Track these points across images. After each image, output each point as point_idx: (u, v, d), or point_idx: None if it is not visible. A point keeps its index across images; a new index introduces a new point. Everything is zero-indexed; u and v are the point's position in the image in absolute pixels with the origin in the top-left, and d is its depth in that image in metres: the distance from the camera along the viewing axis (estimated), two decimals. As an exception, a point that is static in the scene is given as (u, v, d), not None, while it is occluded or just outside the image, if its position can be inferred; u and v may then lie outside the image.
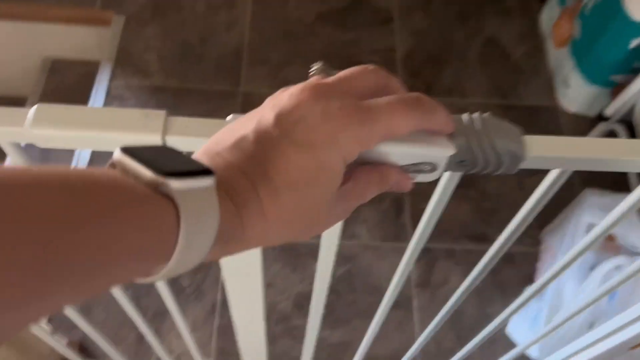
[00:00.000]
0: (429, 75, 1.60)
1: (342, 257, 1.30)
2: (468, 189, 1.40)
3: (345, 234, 1.34)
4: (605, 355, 0.88)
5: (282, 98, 0.28)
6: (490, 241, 1.55)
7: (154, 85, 1.53)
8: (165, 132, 0.33)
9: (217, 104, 1.51)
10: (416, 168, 0.35)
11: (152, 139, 0.33)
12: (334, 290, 1.26)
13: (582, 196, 1.16)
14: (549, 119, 1.54)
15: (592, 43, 1.39)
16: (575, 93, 1.49)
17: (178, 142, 0.33)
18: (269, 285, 1.25)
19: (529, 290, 0.64)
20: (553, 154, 0.40)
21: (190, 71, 1.56)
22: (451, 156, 0.34)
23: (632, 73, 1.36)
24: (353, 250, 1.32)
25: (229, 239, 0.26)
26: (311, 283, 1.30)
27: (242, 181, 0.26)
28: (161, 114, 0.33)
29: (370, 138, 0.27)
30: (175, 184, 0.22)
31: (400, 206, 1.39)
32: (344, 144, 0.27)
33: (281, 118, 0.27)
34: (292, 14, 1.69)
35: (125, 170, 0.23)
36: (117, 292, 0.60)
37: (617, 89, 1.41)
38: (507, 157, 0.35)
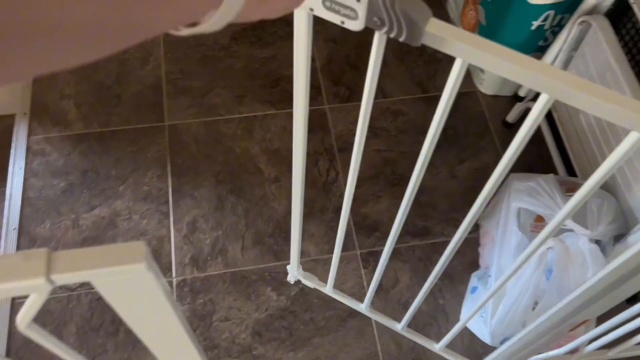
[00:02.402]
0: (350, 80, 1.62)
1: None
2: (404, 186, 1.43)
3: (293, 253, 1.35)
4: (550, 338, 0.93)
5: None
6: (433, 234, 1.59)
7: (76, 134, 1.49)
8: (49, 271, 0.33)
9: (144, 142, 1.49)
10: (343, 11, 0.45)
11: (35, 282, 0.33)
12: (291, 312, 1.27)
13: (508, 181, 1.21)
14: (470, 104, 1.60)
15: (497, 27, 1.44)
16: (490, 77, 1.54)
17: (65, 278, 0.33)
18: (225, 319, 1.25)
19: (483, 297, 0.67)
20: (449, 38, 0.47)
21: (110, 113, 1.53)
22: (368, 6, 0.43)
23: (539, 51, 1.41)
24: (304, 267, 1.33)
25: None
26: (267, 309, 1.31)
27: None
28: (42, 252, 0.33)
29: None
30: None
31: (342, 215, 1.41)
32: None
33: None
34: (207, 38, 1.67)
35: None
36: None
37: (527, 68, 1.47)
38: (406, 22, 0.44)
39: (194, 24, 0.30)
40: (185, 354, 0.53)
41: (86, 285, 1.27)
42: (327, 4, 0.46)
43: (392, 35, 0.46)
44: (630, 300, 1.00)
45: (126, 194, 1.40)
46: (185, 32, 0.30)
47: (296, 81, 0.68)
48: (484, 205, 0.79)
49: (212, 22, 0.29)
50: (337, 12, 0.46)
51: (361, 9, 0.44)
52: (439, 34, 0.47)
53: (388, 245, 0.94)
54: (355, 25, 0.46)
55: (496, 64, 0.49)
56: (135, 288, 0.37)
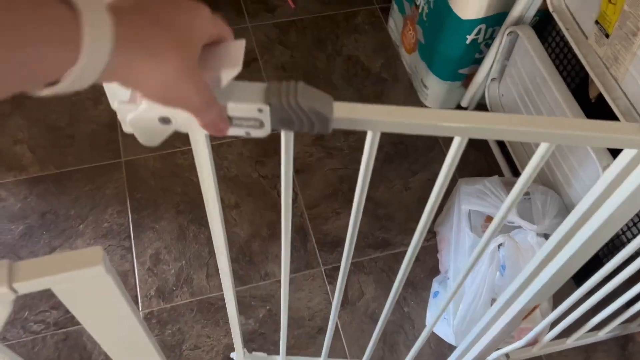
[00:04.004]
0: (301, 104, 1.67)
1: (261, 299, 1.33)
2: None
3: (260, 275, 1.37)
4: (507, 328, 0.98)
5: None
6: (393, 245, 1.64)
7: (32, 177, 1.48)
8: (11, 280, 0.35)
9: (102, 180, 1.49)
10: (247, 123, 0.44)
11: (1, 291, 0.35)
12: (260, 334, 1.29)
13: (457, 186, 1.27)
14: (418, 119, 1.66)
15: (435, 45, 1.52)
16: (433, 91, 1.62)
17: (28, 286, 0.36)
18: (195, 347, 1.25)
19: (444, 300, 0.71)
20: (357, 117, 0.47)
21: (66, 154, 1.53)
22: (271, 113, 0.42)
23: (476, 63, 1.50)
24: (270, 289, 1.35)
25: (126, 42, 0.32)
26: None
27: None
28: (3, 263, 0.35)
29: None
30: None
31: (304, 236, 1.44)
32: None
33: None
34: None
35: None
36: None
37: (467, 80, 1.55)
38: (315, 116, 0.43)
39: (54, 83, 0.30)
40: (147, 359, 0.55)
41: (51, 327, 1.26)
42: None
43: (303, 131, 0.44)
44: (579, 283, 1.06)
45: (87, 232, 1.40)
46: (45, 92, 0.31)
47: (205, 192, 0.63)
48: (434, 210, 0.83)
49: (71, 81, 0.29)
50: (240, 125, 0.43)
51: (265, 118, 0.42)
52: (348, 116, 0.46)
53: (344, 258, 0.96)
54: (261, 133, 0.44)
55: (406, 125, 0.48)
56: (95, 292, 0.39)
